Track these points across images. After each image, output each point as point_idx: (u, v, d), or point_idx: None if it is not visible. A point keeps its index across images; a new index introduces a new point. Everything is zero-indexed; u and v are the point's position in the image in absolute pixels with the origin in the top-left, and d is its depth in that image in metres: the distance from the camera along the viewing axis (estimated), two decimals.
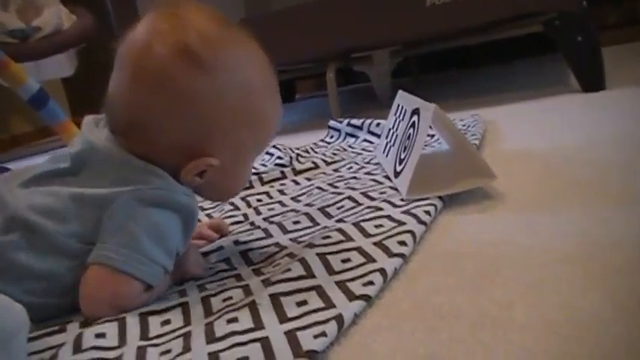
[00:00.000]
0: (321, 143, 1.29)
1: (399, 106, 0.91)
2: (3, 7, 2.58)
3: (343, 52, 1.61)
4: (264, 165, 1.13)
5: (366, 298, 0.49)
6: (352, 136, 1.26)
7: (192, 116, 0.57)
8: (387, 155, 0.89)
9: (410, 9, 1.42)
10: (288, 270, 0.55)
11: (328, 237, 0.62)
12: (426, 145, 1.02)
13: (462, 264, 0.54)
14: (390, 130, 0.93)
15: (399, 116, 0.88)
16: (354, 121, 1.27)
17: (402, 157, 0.77)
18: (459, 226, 0.64)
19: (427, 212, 0.65)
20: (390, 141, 0.89)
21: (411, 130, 0.77)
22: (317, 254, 0.58)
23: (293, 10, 1.59)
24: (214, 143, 0.59)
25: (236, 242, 0.71)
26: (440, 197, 0.70)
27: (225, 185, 0.64)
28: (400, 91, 0.93)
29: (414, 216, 0.64)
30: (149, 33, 0.57)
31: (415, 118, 0.77)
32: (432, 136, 1.07)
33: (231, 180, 0.64)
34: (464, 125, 1.12)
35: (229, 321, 0.49)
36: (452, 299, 0.48)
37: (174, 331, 0.51)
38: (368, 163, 0.99)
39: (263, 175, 1.02)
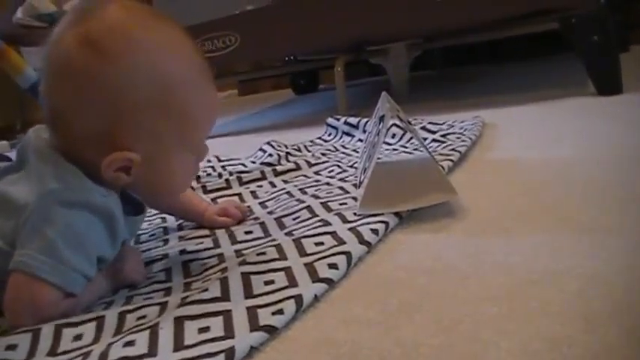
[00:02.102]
0: (317, 141, 1.26)
1: (378, 109, 0.87)
2: None
3: (354, 44, 1.57)
4: (253, 162, 1.10)
5: (269, 329, 0.46)
6: (348, 135, 1.22)
7: (100, 105, 0.55)
8: (361, 162, 0.85)
9: (420, 3, 1.36)
10: (206, 290, 0.52)
11: (263, 253, 0.59)
12: (415, 150, 0.98)
13: (389, 295, 0.50)
14: (368, 134, 0.89)
15: (375, 120, 0.84)
16: (351, 120, 1.23)
17: (367, 166, 0.73)
18: (405, 247, 0.60)
19: (374, 231, 0.61)
20: (366, 146, 0.85)
21: (377, 139, 0.73)
22: (242, 273, 0.55)
23: (305, 0, 1.55)
24: (130, 135, 0.56)
25: (182, 251, 0.69)
26: (396, 213, 0.66)
27: (156, 185, 0.61)
28: (383, 93, 0.88)
29: (358, 235, 0.60)
30: (62, 25, 0.56)
31: (381, 125, 0.73)
32: (425, 138, 1.03)
33: (163, 179, 0.60)
34: (461, 128, 1.07)
35: (126, 344, 0.46)
36: (359, 336, 0.44)
37: (80, 348, 0.49)
38: (351, 166, 0.96)
39: (243, 176, 0.99)
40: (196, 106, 0.59)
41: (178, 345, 0.45)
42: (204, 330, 0.47)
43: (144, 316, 0.53)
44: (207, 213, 0.78)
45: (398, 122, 1.01)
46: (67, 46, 0.54)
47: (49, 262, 0.54)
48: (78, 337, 0.51)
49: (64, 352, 0.49)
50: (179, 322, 0.48)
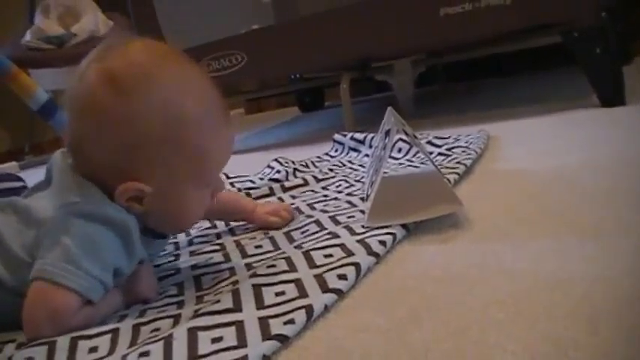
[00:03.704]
0: (324, 157, 1.27)
1: (384, 123, 0.88)
2: (44, 14, 2.66)
3: (359, 61, 1.59)
4: (261, 179, 1.12)
5: (281, 338, 0.47)
6: (355, 150, 1.23)
7: (115, 139, 0.58)
8: (368, 176, 0.86)
9: (424, 19, 1.38)
10: (218, 302, 0.54)
11: (273, 266, 0.61)
12: (421, 164, 0.99)
13: (398, 303, 0.51)
14: (375, 148, 0.90)
15: (382, 135, 0.85)
16: (357, 135, 1.24)
17: (374, 179, 0.74)
18: (413, 257, 0.61)
19: (382, 242, 0.62)
20: (373, 160, 0.87)
21: (383, 153, 0.74)
22: (253, 285, 0.56)
23: (309, 19, 1.57)
24: (143, 168, 0.59)
25: (194, 266, 0.70)
26: (403, 225, 0.67)
27: (169, 217, 0.63)
28: (389, 108, 0.89)
29: (367, 246, 0.61)
30: (87, 60, 0.60)
31: (387, 139, 0.74)
32: (431, 152, 1.04)
33: (175, 212, 0.63)
34: (467, 142, 1.08)
35: (141, 355, 0.47)
36: (369, 344, 0.45)
37: None
38: (358, 181, 0.97)
39: (251, 192, 1.01)
40: (210, 144, 0.61)
41: (192, 355, 0.46)
42: (217, 340, 0.48)
43: (158, 329, 0.54)
44: (258, 211, 0.81)
45: (404, 137, 1.03)
46: (89, 81, 0.58)
47: (67, 269, 0.55)
48: (93, 350, 0.52)
49: None
50: (192, 332, 0.49)
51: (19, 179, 1.36)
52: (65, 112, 0.61)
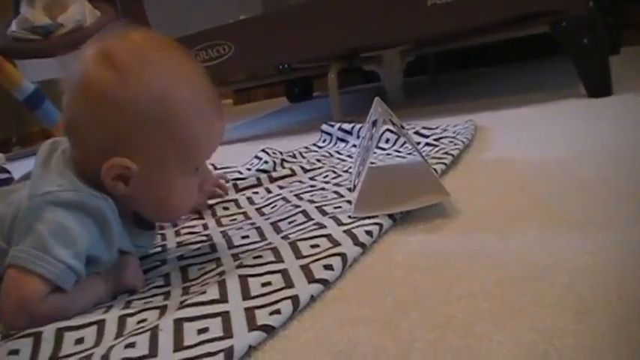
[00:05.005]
0: (312, 147, 1.27)
1: (371, 114, 0.88)
2: (29, 4, 2.63)
3: (346, 52, 1.58)
4: (248, 169, 1.11)
5: (267, 328, 0.47)
6: (343, 140, 1.23)
7: (105, 116, 0.58)
8: (355, 166, 0.86)
9: (412, 8, 1.38)
10: (204, 293, 0.53)
11: (260, 257, 0.60)
12: (408, 154, 0.99)
13: (384, 294, 0.51)
14: (362, 139, 0.90)
15: (369, 125, 0.85)
16: (345, 126, 1.24)
17: (360, 170, 0.74)
18: (399, 247, 0.61)
19: (369, 232, 0.62)
20: (360, 151, 0.86)
21: (370, 143, 0.74)
22: (239, 276, 0.56)
23: (297, 9, 1.56)
24: (131, 149, 0.59)
25: (180, 257, 0.70)
26: (390, 215, 0.67)
27: (155, 202, 0.63)
28: (376, 98, 0.89)
29: (353, 236, 0.61)
30: (87, 44, 0.61)
31: (374, 130, 0.74)
32: (419, 143, 1.04)
33: (161, 196, 0.62)
34: (454, 132, 1.08)
35: (127, 346, 0.47)
36: (355, 334, 0.45)
37: (82, 351, 0.50)
38: (345, 171, 0.97)
39: (239, 182, 1.00)
40: (199, 130, 0.61)
41: (178, 345, 0.46)
42: (203, 331, 0.48)
43: (144, 320, 0.53)
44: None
45: (391, 127, 1.03)
46: (85, 60, 0.59)
47: (38, 255, 0.55)
48: (79, 341, 0.52)
49: (66, 356, 0.50)
50: (178, 323, 0.49)
51: (5, 171, 1.35)
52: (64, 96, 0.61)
